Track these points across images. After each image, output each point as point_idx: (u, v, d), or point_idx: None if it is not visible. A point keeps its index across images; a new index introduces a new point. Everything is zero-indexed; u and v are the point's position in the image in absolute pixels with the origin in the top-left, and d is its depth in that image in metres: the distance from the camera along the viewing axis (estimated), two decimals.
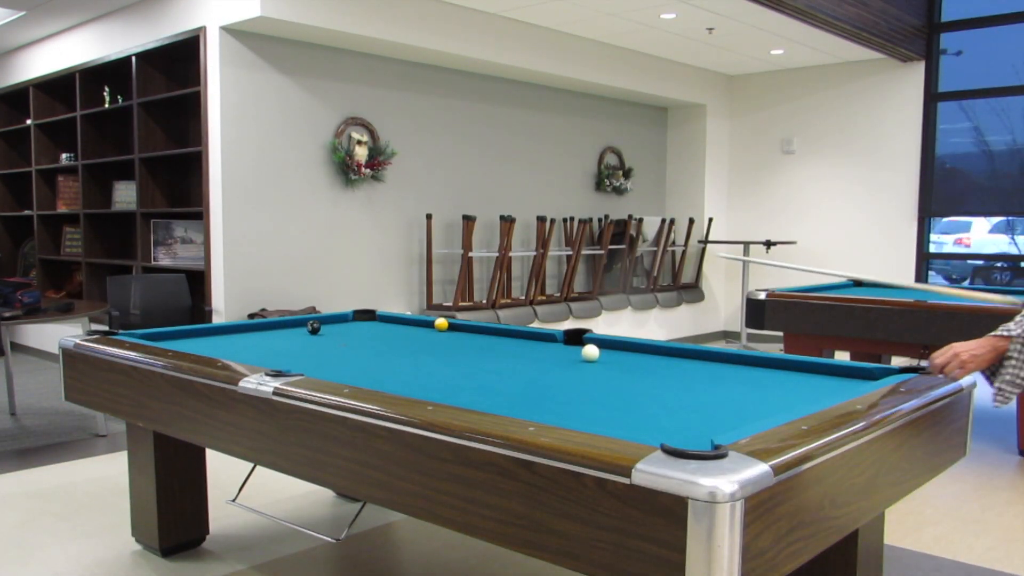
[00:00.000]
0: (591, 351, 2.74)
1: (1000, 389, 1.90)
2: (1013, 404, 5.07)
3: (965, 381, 2.26)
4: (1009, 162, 7.16)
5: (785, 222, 8.20)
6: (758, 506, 1.43)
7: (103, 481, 3.94)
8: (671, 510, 1.40)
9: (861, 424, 1.79)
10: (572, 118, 7.47)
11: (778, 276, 8.16)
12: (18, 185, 7.80)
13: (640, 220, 7.61)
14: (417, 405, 1.91)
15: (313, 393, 2.06)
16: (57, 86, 7.04)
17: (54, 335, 6.82)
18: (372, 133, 5.93)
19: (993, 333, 1.97)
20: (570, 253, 7.01)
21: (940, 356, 2.13)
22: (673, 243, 8.15)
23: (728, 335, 8.74)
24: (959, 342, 2.08)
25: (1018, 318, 1.94)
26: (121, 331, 3.13)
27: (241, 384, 2.24)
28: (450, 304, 6.32)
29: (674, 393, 2.24)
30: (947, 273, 8.31)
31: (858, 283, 5.68)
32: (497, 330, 3.37)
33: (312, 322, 3.40)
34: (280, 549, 3.14)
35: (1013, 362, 1.88)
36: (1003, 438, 4.79)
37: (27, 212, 7.51)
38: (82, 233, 6.62)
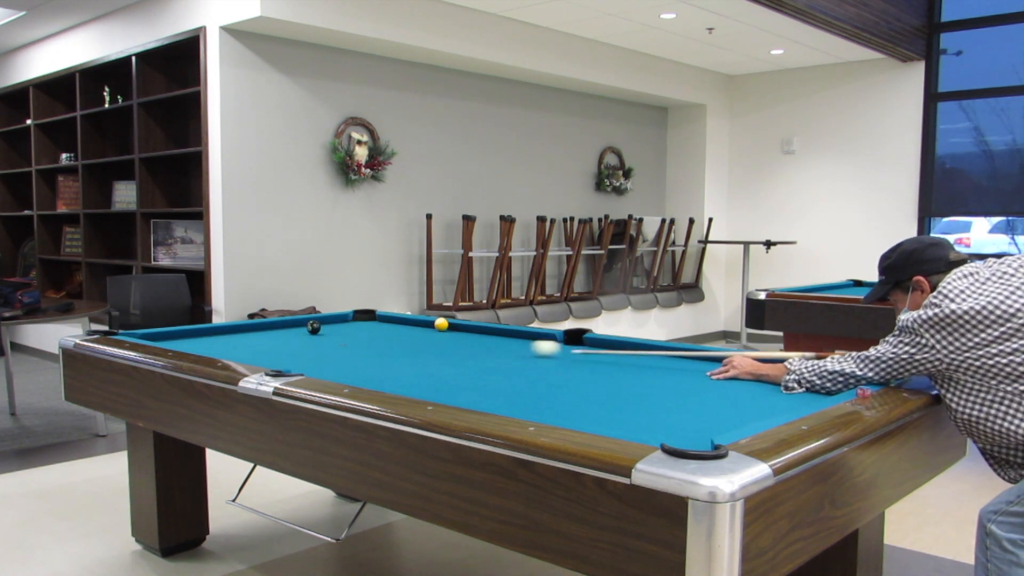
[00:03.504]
0: (544, 346, 2.70)
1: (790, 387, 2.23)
2: None
3: None
4: (1009, 162, 7.16)
5: (785, 222, 8.20)
6: (758, 506, 1.43)
7: (103, 481, 3.94)
8: (671, 510, 1.40)
9: (861, 424, 1.79)
10: (572, 118, 7.47)
11: (778, 276, 8.16)
12: (18, 185, 7.79)
13: (640, 220, 7.61)
14: (417, 405, 1.91)
15: (313, 393, 2.06)
16: (57, 86, 7.04)
17: (54, 335, 6.82)
18: (372, 133, 5.93)
19: (786, 363, 2.29)
20: (570, 253, 7.01)
21: (735, 359, 2.42)
22: (673, 243, 8.15)
23: (728, 335, 8.74)
24: (747, 360, 2.39)
25: (802, 359, 2.27)
26: (121, 331, 3.13)
27: (241, 384, 2.24)
28: (450, 304, 6.32)
29: (674, 393, 2.24)
30: None
31: (858, 283, 5.68)
32: (497, 330, 3.37)
33: (312, 322, 3.40)
34: (280, 549, 3.14)
35: (796, 389, 2.20)
36: None
37: (27, 212, 7.51)
38: (82, 233, 6.62)
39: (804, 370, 2.19)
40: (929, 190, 7.36)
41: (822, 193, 7.96)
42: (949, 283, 2.08)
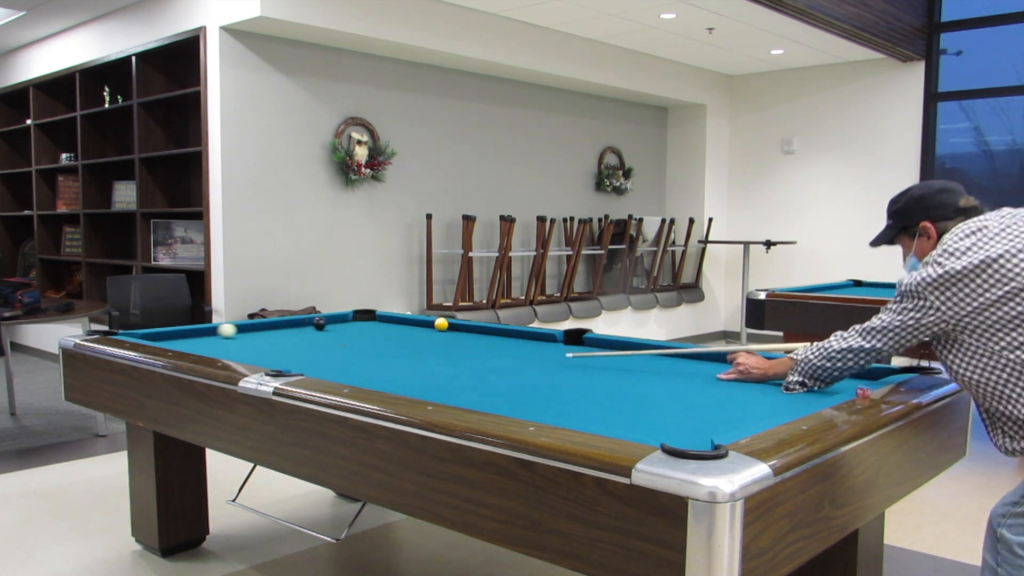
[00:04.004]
0: (226, 328, 3.14)
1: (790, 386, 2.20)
2: None
3: None
4: (1009, 162, 7.16)
5: (785, 222, 8.20)
6: (758, 506, 1.43)
7: (103, 481, 3.94)
8: (671, 510, 1.40)
9: (861, 424, 1.79)
10: (572, 118, 7.47)
11: (779, 276, 8.16)
12: (18, 185, 7.79)
13: (640, 220, 7.61)
14: (417, 405, 1.91)
15: (313, 393, 2.06)
16: (57, 86, 7.04)
17: (54, 335, 6.82)
18: (372, 133, 5.93)
19: (790, 355, 2.26)
20: (570, 253, 7.01)
21: (740, 357, 2.38)
22: (673, 243, 8.15)
23: (728, 335, 8.74)
24: (754, 357, 2.37)
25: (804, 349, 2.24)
26: (121, 331, 3.13)
27: (241, 384, 2.24)
28: (450, 304, 6.32)
29: (674, 393, 2.24)
30: None
31: (858, 283, 5.68)
32: (497, 330, 3.37)
33: (318, 319, 3.48)
34: (280, 549, 3.14)
35: (797, 380, 2.18)
36: None
37: (27, 212, 7.51)
38: (82, 233, 6.62)
39: (811, 356, 2.13)
40: None
41: (822, 193, 7.96)
42: (955, 240, 2.00)
